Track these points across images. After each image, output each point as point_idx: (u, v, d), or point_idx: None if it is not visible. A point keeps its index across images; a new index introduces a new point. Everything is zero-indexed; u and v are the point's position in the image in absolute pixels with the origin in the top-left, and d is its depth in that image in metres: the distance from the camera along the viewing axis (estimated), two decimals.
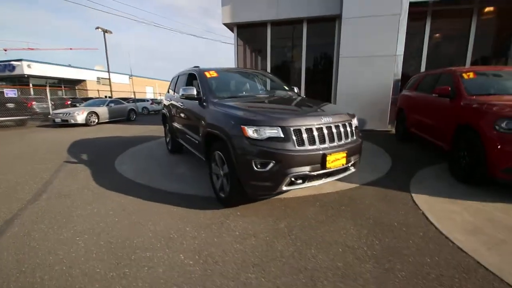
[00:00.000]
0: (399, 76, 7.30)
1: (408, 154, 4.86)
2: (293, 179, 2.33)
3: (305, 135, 2.34)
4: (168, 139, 5.21)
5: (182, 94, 3.32)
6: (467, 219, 2.42)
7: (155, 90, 43.22)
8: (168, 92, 5.21)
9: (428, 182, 3.40)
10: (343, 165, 2.51)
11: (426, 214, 2.52)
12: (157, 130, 8.99)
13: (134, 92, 19.70)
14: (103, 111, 11.27)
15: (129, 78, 39.65)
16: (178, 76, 4.73)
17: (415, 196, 2.95)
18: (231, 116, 2.52)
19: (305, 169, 2.33)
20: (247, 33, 9.26)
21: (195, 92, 3.26)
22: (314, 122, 2.42)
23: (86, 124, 10.32)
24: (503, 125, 2.84)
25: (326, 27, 8.46)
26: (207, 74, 3.56)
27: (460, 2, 7.19)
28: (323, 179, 2.51)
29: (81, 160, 4.82)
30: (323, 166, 2.37)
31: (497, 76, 4.05)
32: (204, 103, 3.16)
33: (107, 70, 20.34)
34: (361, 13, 7.15)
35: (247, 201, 2.75)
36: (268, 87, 3.97)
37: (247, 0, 8.38)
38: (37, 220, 2.48)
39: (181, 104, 3.91)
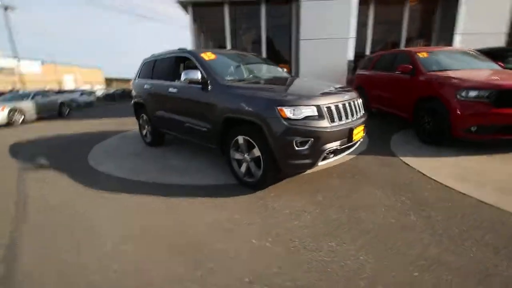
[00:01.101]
0: (352, 58, 8.08)
1: (376, 127, 5.54)
2: (326, 154, 2.49)
3: (334, 112, 2.51)
4: (145, 132, 4.74)
5: (185, 79, 3.06)
6: (450, 171, 3.00)
7: (76, 78, 37.22)
8: (138, 79, 4.68)
9: (404, 147, 4.01)
10: (362, 137, 2.79)
11: (422, 172, 3.02)
12: (108, 123, 8.01)
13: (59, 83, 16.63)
14: (28, 106, 9.30)
15: (41, 65, 33.15)
16: (155, 60, 4.28)
17: (404, 159, 3.48)
18: (263, 99, 2.50)
19: (337, 144, 2.51)
20: (203, 12, 8.76)
21: (199, 76, 3.05)
22: (339, 99, 2.60)
23: (8, 124, 8.41)
24: (463, 94, 3.53)
25: (283, 9, 8.63)
26: (205, 57, 3.34)
27: None
28: (346, 151, 2.75)
29: (43, 165, 4.02)
30: (350, 139, 2.60)
31: (443, 55, 4.91)
32: (211, 88, 3.00)
33: (13, 56, 16.56)
34: None
35: (274, 182, 2.81)
36: (264, 70, 3.95)
37: None
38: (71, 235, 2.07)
39: (173, 90, 3.58)
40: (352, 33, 7.87)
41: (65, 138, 6.07)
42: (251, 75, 3.57)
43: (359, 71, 7.02)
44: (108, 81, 42.48)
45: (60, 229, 2.15)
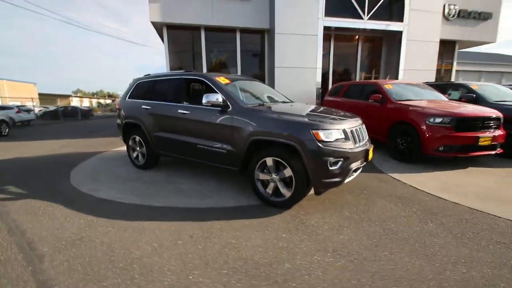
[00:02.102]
0: (320, 85, 8.98)
1: None
2: (351, 172, 2.78)
3: (355, 135, 2.85)
4: (136, 154, 4.44)
5: (207, 102, 3.10)
6: (434, 184, 3.59)
7: (2, 93, 31.85)
8: (128, 99, 4.45)
9: (386, 164, 4.60)
10: (372, 157, 3.18)
11: (413, 185, 3.54)
12: (70, 145, 7.16)
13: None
14: None
15: None
16: (155, 81, 4.18)
17: (392, 175, 4.01)
18: (298, 123, 2.70)
19: (358, 163, 2.83)
20: (177, 34, 8.76)
21: (221, 99, 3.12)
22: (355, 124, 2.97)
23: None
24: (431, 120, 4.32)
25: (256, 38, 9.22)
26: (221, 81, 3.43)
27: (350, 30, 9.52)
28: (360, 170, 3.09)
29: (27, 194, 3.40)
30: (366, 159, 2.95)
31: (404, 87, 5.88)
32: (232, 111, 3.09)
33: None
34: (290, 31, 8.31)
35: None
36: (270, 93, 4.16)
37: (181, 0, 7.95)
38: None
39: (184, 112, 3.53)
40: (319, 63, 8.81)
41: (29, 162, 5.21)
42: (265, 99, 3.76)
43: (328, 97, 7.81)
44: (44, 97, 37.50)
45: (99, 266, 1.90)
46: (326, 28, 8.75)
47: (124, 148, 6.45)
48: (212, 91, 3.33)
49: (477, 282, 1.71)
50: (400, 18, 9.24)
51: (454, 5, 10.13)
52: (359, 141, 2.93)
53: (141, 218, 2.66)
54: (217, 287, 1.68)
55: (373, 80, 6.24)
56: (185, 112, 3.54)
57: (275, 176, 2.84)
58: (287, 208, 2.85)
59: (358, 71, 10.35)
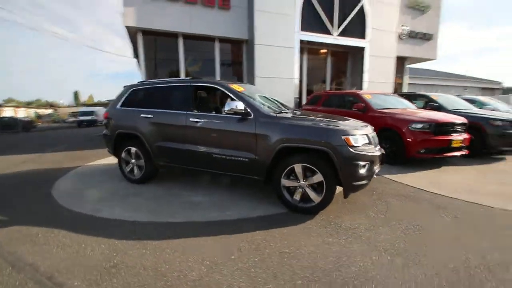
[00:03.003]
0: (297, 94, 9.37)
1: None
2: (374, 175, 2.96)
3: (374, 140, 3.05)
4: (130, 167, 4.05)
5: (230, 109, 3.02)
6: (426, 182, 4.00)
7: None
8: (120, 107, 4.09)
9: None
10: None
11: (410, 185, 3.89)
12: (32, 160, 6.21)
13: None
14: None
15: None
16: (155, 88, 3.91)
17: (387, 176, 4.36)
18: (329, 129, 2.78)
19: (378, 166, 3.03)
20: (153, 41, 8.35)
21: (243, 108, 3.06)
22: (372, 130, 3.18)
23: None
24: (413, 126, 4.84)
25: (235, 48, 9.28)
26: (237, 88, 3.38)
27: (321, 44, 10.20)
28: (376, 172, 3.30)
29: (11, 220, 2.80)
30: (382, 162, 3.17)
31: (380, 97, 6.48)
32: (254, 119, 3.06)
33: None
34: (269, 42, 8.58)
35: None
36: (273, 100, 4.17)
37: (158, 6, 7.63)
38: None
39: (197, 120, 3.37)
40: (296, 74, 9.22)
41: None
42: (277, 106, 3.79)
43: (306, 106, 8.19)
44: None
45: None
46: (300, 42, 9.25)
47: (101, 161, 5.86)
48: (229, 98, 3.26)
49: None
50: (363, 36, 10.24)
51: (406, 26, 11.62)
52: (376, 146, 3.14)
53: (170, 236, 2.42)
54: None
55: (352, 91, 6.79)
56: (198, 120, 3.38)
57: (303, 182, 2.87)
58: (314, 213, 2.89)
59: (328, 82, 11.08)
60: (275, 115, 3.12)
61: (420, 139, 4.80)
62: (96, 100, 61.68)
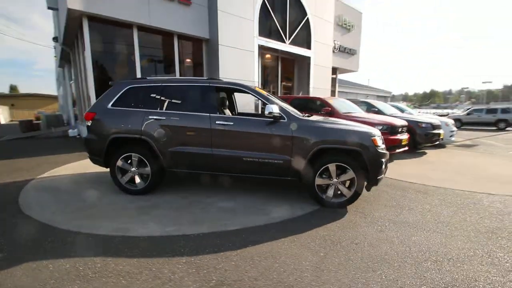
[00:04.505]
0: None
1: None
2: None
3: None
4: (130, 177, 3.50)
5: (270, 113, 3.05)
6: (394, 174, 4.94)
7: None
8: (113, 107, 3.50)
9: None
10: None
11: (398, 179, 4.72)
12: None
13: None
14: None
15: None
16: (163, 87, 3.50)
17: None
18: (361, 132, 3.15)
19: None
20: (102, 30, 7.15)
21: (278, 111, 3.15)
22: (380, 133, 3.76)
23: None
24: (380, 128, 5.84)
25: (195, 46, 8.86)
26: (264, 92, 3.41)
27: (273, 50, 10.84)
28: None
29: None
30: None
31: (341, 101, 7.44)
32: (288, 122, 3.20)
33: None
34: (233, 44, 8.60)
35: None
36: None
37: None
38: None
39: (225, 123, 3.23)
40: (256, 77, 9.53)
41: None
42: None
43: None
44: None
45: None
46: (258, 46, 9.61)
47: (58, 172, 4.72)
48: (260, 101, 3.27)
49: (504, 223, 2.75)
50: (309, 47, 11.41)
51: (337, 41, 13.51)
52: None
53: (243, 244, 2.31)
54: (416, 283, 1.90)
55: (316, 96, 7.57)
56: (226, 123, 3.24)
57: (336, 180, 3.18)
58: (343, 207, 3.22)
59: (279, 86, 11.84)
60: (306, 118, 3.32)
61: (384, 138, 5.82)
62: None
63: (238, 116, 3.37)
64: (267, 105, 3.14)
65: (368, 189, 3.34)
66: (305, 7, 10.89)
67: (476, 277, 1.89)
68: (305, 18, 11.00)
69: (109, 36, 7.37)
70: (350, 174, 3.13)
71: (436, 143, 7.73)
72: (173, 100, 3.45)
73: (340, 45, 13.73)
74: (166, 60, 8.43)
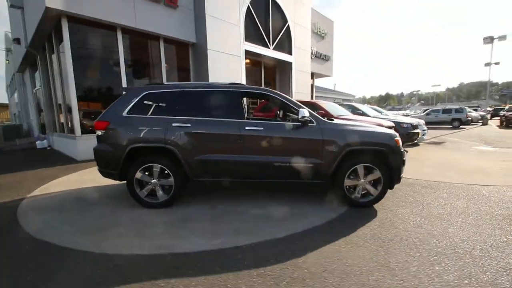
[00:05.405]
0: (245, 101, 9.65)
1: None
2: None
3: None
4: (149, 189, 3.25)
5: (302, 117, 3.08)
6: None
7: None
8: (129, 114, 3.25)
9: None
10: None
11: None
12: None
13: None
14: None
15: None
16: (188, 92, 3.34)
17: None
18: (385, 133, 3.31)
19: None
20: (82, 31, 6.57)
21: (308, 115, 3.19)
22: None
23: None
24: None
25: (182, 50, 8.58)
26: (289, 97, 3.42)
27: (258, 55, 10.93)
28: None
29: None
30: None
31: (331, 105, 7.74)
32: (317, 125, 3.26)
33: None
34: (221, 49, 8.51)
35: None
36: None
37: None
38: None
39: (254, 128, 3.17)
40: (244, 81, 9.51)
41: None
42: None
43: (257, 113, 8.68)
44: None
45: None
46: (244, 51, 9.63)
47: (55, 189, 4.21)
48: (288, 106, 3.30)
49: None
50: (290, 52, 11.73)
51: (314, 48, 14.08)
52: None
53: (302, 251, 2.28)
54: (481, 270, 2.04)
55: (309, 100, 7.79)
56: (256, 128, 3.19)
57: (363, 180, 3.30)
58: (370, 206, 3.36)
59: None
60: (333, 122, 3.40)
61: None
62: None
63: (268, 121, 3.34)
64: (300, 110, 3.16)
65: (391, 188, 3.52)
66: (286, 13, 11.20)
67: None
68: (286, 25, 11.31)
69: (91, 39, 6.81)
70: (377, 174, 3.26)
71: (415, 141, 8.43)
72: (197, 107, 3.30)
73: (316, 51, 14.35)
74: (153, 63, 8.03)
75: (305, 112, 3.14)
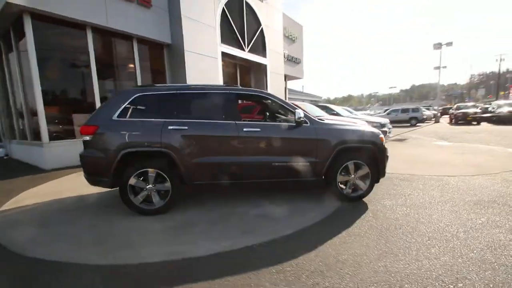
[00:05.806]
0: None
1: None
2: None
3: None
4: (144, 195, 3.12)
5: (299, 118, 3.19)
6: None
7: None
8: (121, 117, 3.11)
9: None
10: None
11: None
12: None
13: None
14: None
15: None
16: (178, 95, 3.26)
17: None
18: (372, 132, 3.56)
19: None
20: (49, 30, 6.03)
21: (303, 115, 3.32)
22: None
23: None
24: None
25: (156, 52, 8.27)
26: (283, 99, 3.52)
27: (233, 57, 10.95)
28: None
29: None
30: None
31: (309, 107, 8.04)
32: (311, 125, 3.41)
33: None
34: (198, 50, 8.38)
35: None
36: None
37: None
38: None
39: (251, 130, 3.21)
40: (221, 82, 9.47)
41: None
42: None
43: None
44: None
45: None
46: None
47: (29, 201, 3.80)
48: (283, 108, 3.41)
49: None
50: (265, 55, 11.95)
51: (285, 51, 14.50)
52: None
53: (312, 245, 2.39)
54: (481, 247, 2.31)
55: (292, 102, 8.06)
56: (254, 129, 3.23)
57: (353, 176, 3.53)
58: (360, 199, 3.60)
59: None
60: (324, 121, 3.58)
61: None
62: None
63: (264, 122, 3.40)
64: (296, 111, 3.28)
65: (377, 181, 3.80)
66: (259, 17, 11.39)
67: (497, 238, 2.43)
68: (260, 28, 11.51)
69: (58, 38, 6.28)
70: (365, 169, 3.51)
71: None
72: (192, 109, 3.26)
73: (288, 54, 14.79)
74: (125, 65, 7.64)
75: (301, 113, 3.28)
